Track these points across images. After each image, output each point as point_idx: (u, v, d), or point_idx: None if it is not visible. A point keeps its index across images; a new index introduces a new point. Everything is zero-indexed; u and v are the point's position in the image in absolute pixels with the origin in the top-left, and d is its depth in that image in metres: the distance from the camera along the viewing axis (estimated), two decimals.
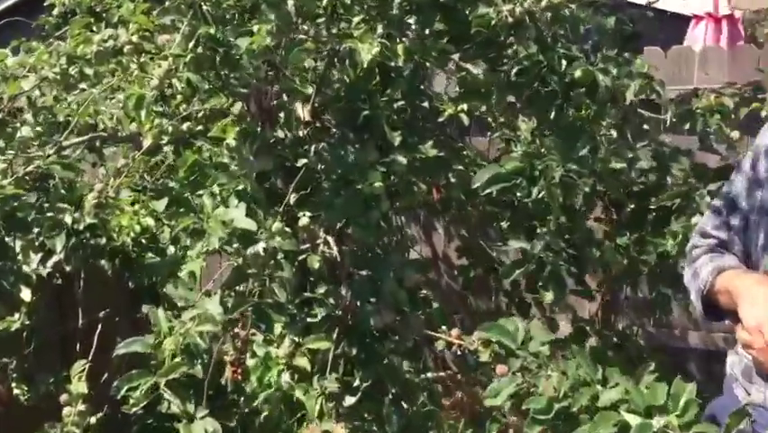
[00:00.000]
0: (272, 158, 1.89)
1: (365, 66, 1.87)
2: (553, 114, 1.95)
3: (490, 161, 3.08)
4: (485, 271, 3.02)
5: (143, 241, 2.40)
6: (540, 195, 1.79)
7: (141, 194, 2.52)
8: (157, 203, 2.37)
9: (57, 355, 2.18)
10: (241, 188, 1.98)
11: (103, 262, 2.04)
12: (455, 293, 4.27)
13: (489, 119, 3.21)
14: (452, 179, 2.57)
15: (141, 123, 1.82)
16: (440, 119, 2.93)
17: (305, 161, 2.01)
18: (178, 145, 2.17)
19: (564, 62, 1.88)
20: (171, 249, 2.38)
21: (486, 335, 1.69)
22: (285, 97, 1.90)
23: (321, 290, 1.95)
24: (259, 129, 1.89)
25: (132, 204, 2.43)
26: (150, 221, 2.37)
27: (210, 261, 2.10)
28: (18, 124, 2.34)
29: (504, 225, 2.14)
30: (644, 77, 2.02)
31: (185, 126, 2.16)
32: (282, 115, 2.02)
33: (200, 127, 2.24)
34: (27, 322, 2.07)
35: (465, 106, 2.92)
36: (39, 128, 2.32)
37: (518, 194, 1.87)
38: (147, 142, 2.01)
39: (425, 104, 2.01)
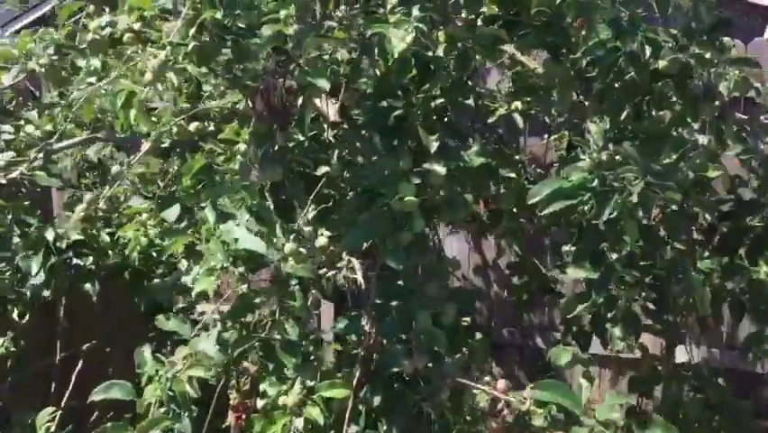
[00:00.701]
0: (283, 166, 1.57)
1: (396, 56, 1.54)
2: (631, 113, 1.57)
3: (546, 167, 2.72)
4: (540, 293, 2.66)
5: (154, 255, 2.13)
6: (613, 215, 1.42)
7: (153, 202, 2.26)
8: (167, 212, 2.09)
9: (44, 386, 1.92)
10: (251, 201, 1.68)
11: (88, 285, 1.76)
12: (506, 303, 3.91)
13: (546, 119, 2.85)
14: (502, 189, 2.22)
15: (131, 124, 1.53)
16: (489, 120, 2.59)
17: (326, 169, 1.69)
18: (184, 149, 1.88)
19: (648, 49, 1.50)
20: (184, 263, 2.10)
21: (541, 395, 1.33)
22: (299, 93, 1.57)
23: (341, 324, 1.62)
24: (267, 130, 1.58)
25: (140, 214, 2.16)
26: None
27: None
28: (22, 122, 2.10)
29: (566, 248, 1.77)
30: (744, 65, 1.62)
31: (193, 127, 1.87)
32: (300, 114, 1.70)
33: (212, 128, 1.95)
34: (13, 349, 1.82)
35: (520, 105, 2.57)
36: (49, 126, 2.08)
37: (585, 213, 1.50)
38: (146, 145, 1.73)
39: (471, 101, 1.65)
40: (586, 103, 1.65)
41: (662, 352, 2.25)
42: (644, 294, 1.60)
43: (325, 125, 1.93)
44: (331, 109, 1.97)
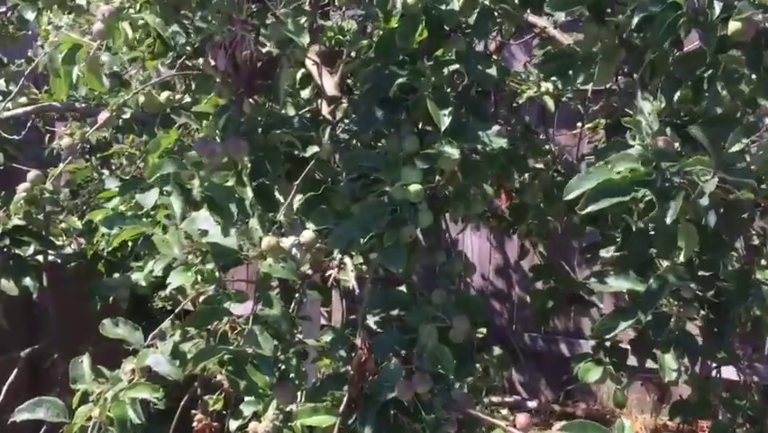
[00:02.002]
0: (252, 141, 1.29)
1: (400, 10, 1.25)
2: (689, 90, 1.26)
3: (577, 160, 2.42)
4: (566, 302, 2.36)
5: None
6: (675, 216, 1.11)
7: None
8: (143, 197, 1.82)
9: None
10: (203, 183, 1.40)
11: (28, 280, 1.49)
12: (528, 306, 3.61)
13: (579, 106, 2.53)
14: (527, 181, 1.92)
15: (72, 86, 1.26)
16: (515, 103, 2.29)
17: (315, 149, 1.40)
18: (153, 123, 1.60)
19: (718, 5, 1.18)
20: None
21: None
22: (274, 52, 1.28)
23: (326, 337, 1.34)
24: (233, 96, 1.29)
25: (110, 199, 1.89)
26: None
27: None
28: None
29: (605, 253, 1.46)
30: None
31: (163, 96, 1.59)
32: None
33: (187, 99, 1.67)
34: None
35: (551, 86, 2.26)
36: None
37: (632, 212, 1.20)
38: (103, 116, 1.45)
39: (493, 71, 1.35)
40: (635, 76, 1.34)
41: (709, 373, 1.93)
42: (702, 313, 1.29)
43: (321, 100, 1.65)
44: (328, 82, 1.69)
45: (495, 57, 1.98)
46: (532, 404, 3.62)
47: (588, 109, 2.56)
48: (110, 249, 1.66)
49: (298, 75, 2.03)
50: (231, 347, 1.29)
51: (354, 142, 1.38)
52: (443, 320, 1.31)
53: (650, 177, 1.10)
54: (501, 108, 2.12)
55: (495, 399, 3.54)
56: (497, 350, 1.79)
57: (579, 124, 2.51)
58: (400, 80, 1.31)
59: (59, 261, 1.66)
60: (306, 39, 1.20)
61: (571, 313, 3.43)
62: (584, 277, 2.15)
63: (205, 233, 1.30)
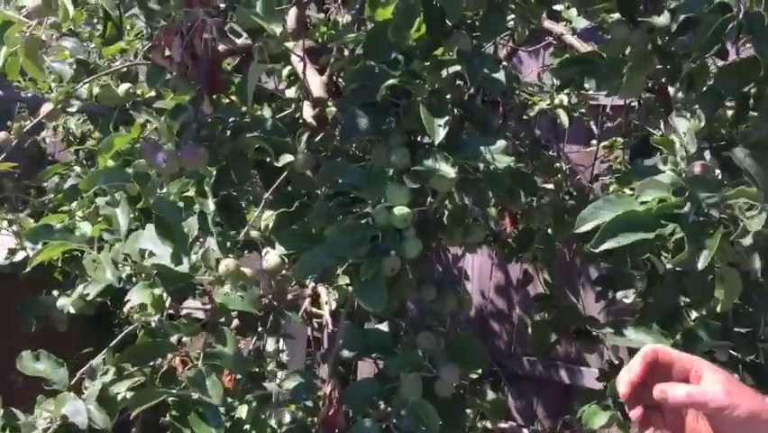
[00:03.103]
0: (213, 148, 1.08)
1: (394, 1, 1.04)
2: (738, 105, 1.05)
3: (591, 181, 2.22)
4: (570, 336, 2.14)
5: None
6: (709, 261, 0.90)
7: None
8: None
9: None
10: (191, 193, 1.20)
11: None
12: (530, 329, 3.40)
13: (592, 124, 2.33)
14: (535, 204, 1.71)
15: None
16: (525, 115, 2.08)
17: (289, 158, 1.19)
18: (108, 118, 1.39)
19: None
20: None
21: None
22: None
23: (291, 382, 1.13)
24: (190, 93, 1.09)
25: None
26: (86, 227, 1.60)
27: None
28: None
29: (624, 297, 1.25)
30: None
31: (122, 89, 1.39)
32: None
33: (153, 93, 1.46)
34: None
35: (565, 98, 2.05)
36: None
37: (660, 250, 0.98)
38: (46, 109, 1.25)
39: (501, 76, 1.14)
40: (670, 89, 1.13)
41: None
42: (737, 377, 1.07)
43: (305, 103, 1.44)
44: (315, 81, 1.48)
45: (505, 64, 1.77)
46: (527, 432, 3.43)
47: (602, 125, 2.35)
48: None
49: (285, 72, 1.83)
50: (175, 390, 1.08)
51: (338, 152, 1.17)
52: (429, 369, 1.10)
53: (681, 209, 0.89)
54: (510, 121, 1.92)
55: (489, 424, 3.33)
56: (490, 394, 1.58)
57: (593, 142, 2.30)
58: (391, 82, 1.10)
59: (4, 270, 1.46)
60: (279, 27, 1.00)
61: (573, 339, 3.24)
62: (601, 319, 1.94)
63: (150, 253, 1.09)
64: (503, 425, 3.51)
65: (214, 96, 1.14)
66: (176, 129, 1.06)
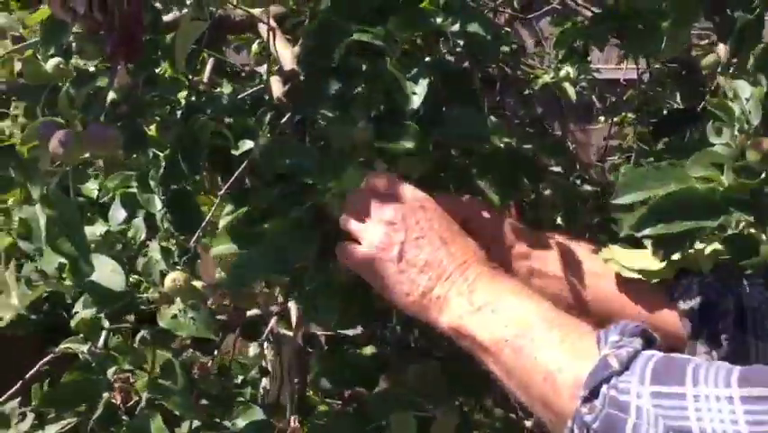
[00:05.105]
0: (131, 128, 0.87)
1: None
2: None
3: (599, 161, 1.99)
4: None
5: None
6: None
7: None
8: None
9: None
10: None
11: None
12: None
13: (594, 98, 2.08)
14: (543, 191, 1.48)
15: None
16: (527, 90, 1.85)
17: (249, 144, 0.97)
18: (36, 99, 1.18)
19: None
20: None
21: None
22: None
23: (241, 419, 0.91)
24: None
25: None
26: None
27: None
28: None
29: None
30: None
31: (51, 64, 1.17)
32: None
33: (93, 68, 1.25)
34: None
35: (572, 71, 1.81)
36: None
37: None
38: None
39: (486, 33, 0.91)
40: (720, 47, 0.89)
41: None
42: None
43: (273, 78, 1.22)
44: (285, 52, 1.26)
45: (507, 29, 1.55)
46: (528, 423, 3.22)
47: (605, 100, 2.13)
48: None
49: (254, 47, 1.62)
50: None
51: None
52: (422, 408, 0.87)
53: (758, 194, 0.66)
54: (507, 97, 1.69)
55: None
56: (498, 411, 1.37)
57: (601, 119, 2.09)
58: (352, 38, 0.87)
59: None
60: None
61: None
62: None
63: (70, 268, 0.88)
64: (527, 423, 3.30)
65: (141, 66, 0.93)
66: (81, 101, 0.85)
